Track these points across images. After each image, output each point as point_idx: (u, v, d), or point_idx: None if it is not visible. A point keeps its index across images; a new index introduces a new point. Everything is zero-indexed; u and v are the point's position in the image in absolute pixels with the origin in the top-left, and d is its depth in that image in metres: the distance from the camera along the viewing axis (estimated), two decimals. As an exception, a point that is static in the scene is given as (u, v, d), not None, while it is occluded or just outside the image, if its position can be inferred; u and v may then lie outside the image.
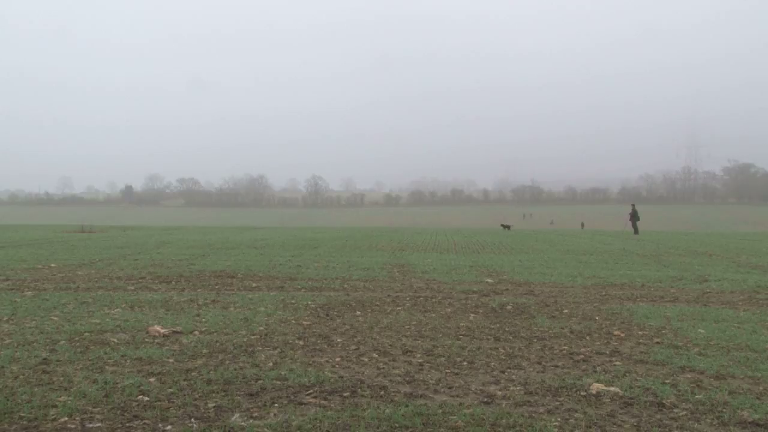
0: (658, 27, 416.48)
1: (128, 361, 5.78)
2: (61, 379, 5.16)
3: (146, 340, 6.66)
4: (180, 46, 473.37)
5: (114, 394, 4.76)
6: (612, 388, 4.99)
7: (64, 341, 6.53)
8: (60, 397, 4.67)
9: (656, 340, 6.93)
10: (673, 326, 7.70)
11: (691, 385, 5.13)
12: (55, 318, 7.82)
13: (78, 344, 6.41)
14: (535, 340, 6.91)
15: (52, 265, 14.55)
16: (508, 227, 49.42)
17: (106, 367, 5.56)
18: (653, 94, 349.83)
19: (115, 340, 6.61)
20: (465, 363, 5.87)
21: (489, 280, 12.43)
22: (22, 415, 4.30)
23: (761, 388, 5.10)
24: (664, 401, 4.71)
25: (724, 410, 4.52)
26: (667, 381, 5.26)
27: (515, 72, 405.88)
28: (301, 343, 6.61)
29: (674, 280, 12.63)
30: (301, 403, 4.62)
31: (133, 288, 10.82)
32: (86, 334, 6.90)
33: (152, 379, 5.15)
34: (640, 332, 7.36)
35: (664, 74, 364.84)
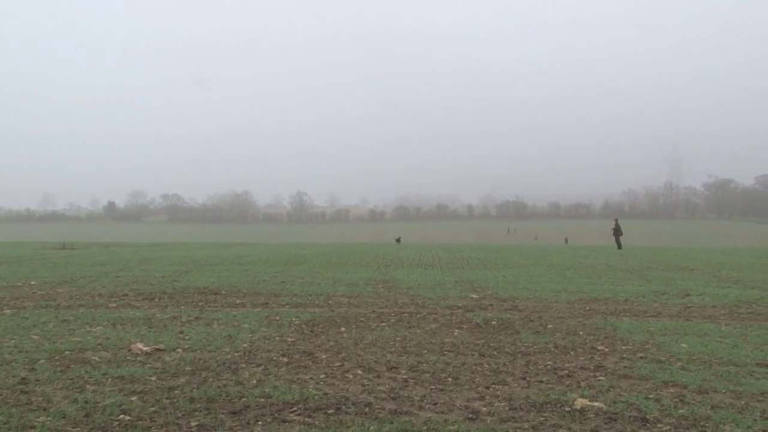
0: (641, 45, 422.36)
1: (109, 379, 5.71)
2: (40, 399, 5.08)
3: (128, 358, 6.59)
4: (164, 60, 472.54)
5: (95, 413, 4.70)
6: (596, 404, 5.00)
7: (43, 360, 6.43)
8: (39, 417, 4.60)
9: (640, 354, 6.97)
10: (656, 341, 7.74)
11: (675, 400, 5.16)
12: (35, 336, 7.71)
13: (58, 363, 6.32)
14: (519, 356, 6.92)
15: (33, 282, 14.36)
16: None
17: (87, 386, 5.48)
18: (636, 110, 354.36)
19: (97, 359, 6.53)
20: (450, 379, 5.86)
21: (474, 296, 12.44)
22: (0, 435, 4.22)
23: (743, 402, 5.14)
24: (647, 416, 4.73)
25: (707, 425, 4.55)
26: (651, 396, 5.29)
27: (499, 88, 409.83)
28: (286, 359, 6.57)
29: (657, 295, 12.72)
30: (285, 421, 4.58)
31: (115, 305, 10.70)
32: (67, 352, 6.81)
33: (134, 398, 5.09)
34: (623, 347, 7.39)
35: (646, 91, 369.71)
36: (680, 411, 4.86)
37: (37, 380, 5.66)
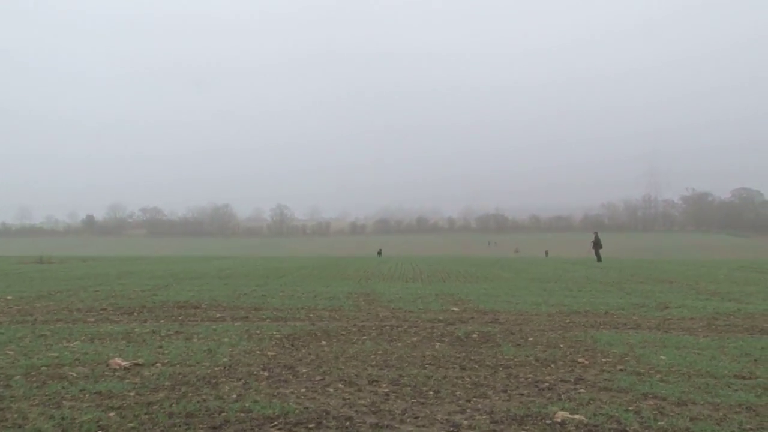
0: (621, 63, 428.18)
1: (87, 395, 5.62)
2: (16, 416, 4.99)
3: (106, 373, 6.50)
4: (146, 74, 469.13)
5: (72, 430, 4.63)
6: (577, 416, 5.02)
7: (19, 376, 6.32)
8: (14, 434, 4.52)
9: (619, 367, 7.02)
10: (635, 353, 7.80)
11: (654, 412, 5.20)
12: (11, 352, 7.58)
13: (34, 379, 6.21)
14: (500, 369, 6.93)
15: (8, 297, 14.13)
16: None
17: (64, 402, 5.40)
18: (615, 127, 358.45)
19: (74, 374, 6.43)
20: (431, 392, 5.85)
21: (455, 309, 12.45)
22: (-26, 453, 4.14)
23: (721, 414, 5.19)
24: (627, 428, 4.76)
25: (686, 436, 4.58)
26: (631, 408, 5.32)
27: (482, 102, 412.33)
28: (266, 374, 6.53)
29: (636, 307, 12.83)
30: (265, 436, 4.55)
31: (93, 320, 10.56)
32: (43, 368, 6.70)
33: (112, 414, 5.02)
34: (603, 359, 7.44)
35: (625, 106, 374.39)
36: (660, 423, 4.90)
37: (12, 396, 5.56)
